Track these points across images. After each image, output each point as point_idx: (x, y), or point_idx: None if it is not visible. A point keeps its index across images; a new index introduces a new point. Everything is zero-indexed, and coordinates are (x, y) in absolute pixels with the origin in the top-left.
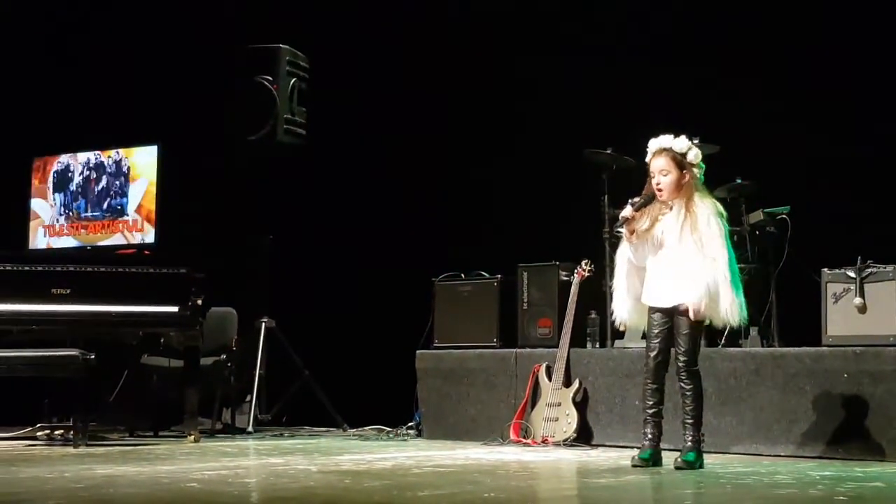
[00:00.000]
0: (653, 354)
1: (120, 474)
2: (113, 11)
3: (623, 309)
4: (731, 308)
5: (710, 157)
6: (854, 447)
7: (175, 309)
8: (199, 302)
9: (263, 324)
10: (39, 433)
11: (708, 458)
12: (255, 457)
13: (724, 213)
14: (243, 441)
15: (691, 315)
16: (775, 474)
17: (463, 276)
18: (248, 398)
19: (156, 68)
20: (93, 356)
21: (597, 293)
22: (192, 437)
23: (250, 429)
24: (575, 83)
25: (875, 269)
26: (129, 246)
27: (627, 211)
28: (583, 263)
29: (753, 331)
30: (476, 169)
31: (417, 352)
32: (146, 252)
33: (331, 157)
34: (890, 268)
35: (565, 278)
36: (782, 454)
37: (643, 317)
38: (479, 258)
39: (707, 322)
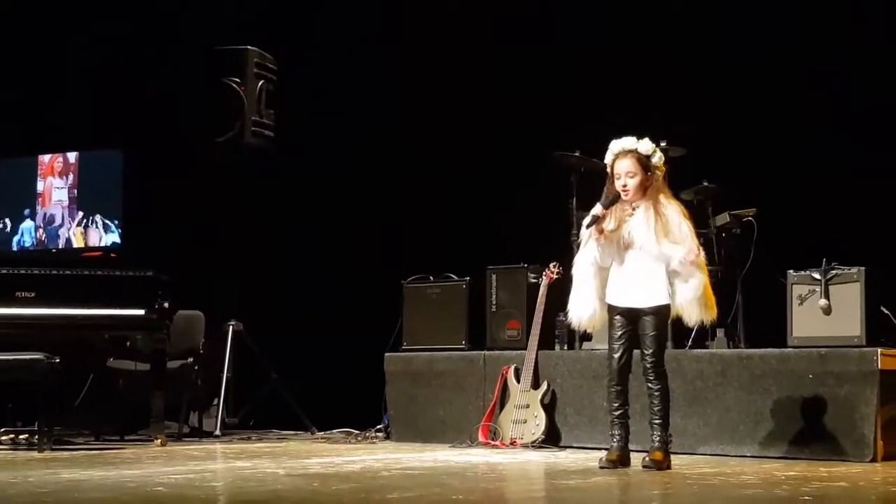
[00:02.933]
0: (616, 356)
1: (85, 479)
2: (80, 12)
3: (584, 309)
4: (706, 308)
5: (677, 159)
6: (819, 447)
7: (141, 312)
8: (166, 305)
9: (231, 327)
10: (4, 437)
11: (675, 459)
12: (222, 460)
13: (688, 214)
14: (210, 444)
15: (691, 322)
16: (741, 474)
17: (431, 278)
18: (215, 401)
19: (121, 71)
20: (58, 360)
21: (565, 295)
22: (159, 440)
23: (218, 432)
24: (543, 86)
25: (840, 271)
26: (95, 248)
27: (598, 209)
28: (551, 266)
29: (720, 332)
30: (445, 171)
31: (386, 354)
32: (112, 255)
33: (299, 159)
34: (854, 269)
35: (534, 280)
36: (748, 454)
37: (602, 318)
38: (448, 260)
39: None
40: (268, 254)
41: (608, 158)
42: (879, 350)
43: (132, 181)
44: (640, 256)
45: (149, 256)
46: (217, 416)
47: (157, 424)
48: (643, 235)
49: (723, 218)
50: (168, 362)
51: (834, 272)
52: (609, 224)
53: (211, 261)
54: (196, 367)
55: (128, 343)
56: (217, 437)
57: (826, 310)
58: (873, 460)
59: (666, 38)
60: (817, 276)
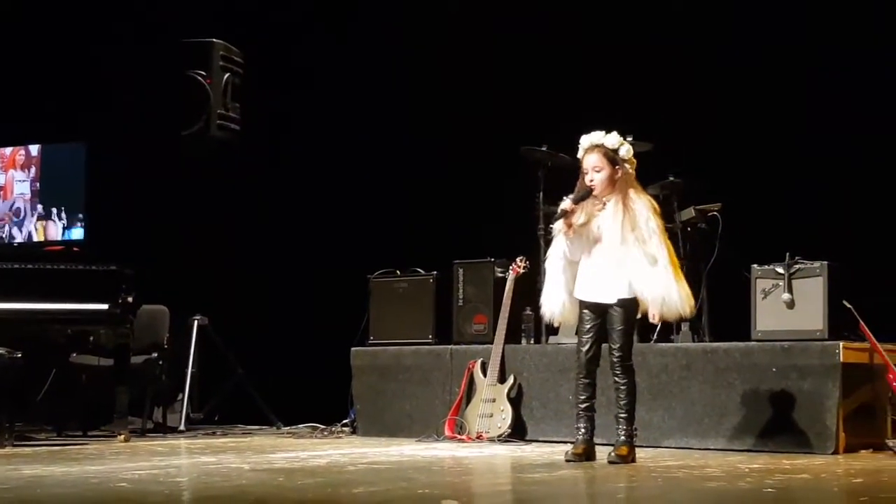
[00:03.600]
0: (584, 349)
1: (47, 475)
2: (44, 3)
3: (555, 303)
4: (681, 301)
5: (644, 154)
6: (782, 440)
7: (105, 306)
8: (130, 299)
9: (196, 321)
10: None
11: (640, 452)
12: (186, 456)
13: (659, 209)
14: (175, 440)
15: (655, 320)
16: (705, 467)
17: (398, 272)
18: (179, 397)
19: (85, 63)
20: (19, 355)
21: (532, 290)
22: (123, 436)
23: (182, 427)
24: (511, 81)
25: (803, 266)
26: (57, 242)
27: (566, 203)
28: (518, 260)
29: (684, 326)
30: (412, 165)
31: (352, 349)
32: (75, 248)
33: (266, 153)
34: (817, 264)
35: (500, 275)
36: (712, 447)
37: (575, 312)
38: (415, 255)
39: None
40: (233, 248)
41: (579, 154)
42: (841, 343)
43: (96, 174)
44: (609, 251)
45: (112, 250)
46: (181, 412)
47: (120, 420)
48: (611, 230)
49: (688, 213)
50: (132, 357)
51: (797, 266)
52: (579, 218)
53: (175, 255)
54: (160, 362)
55: (91, 338)
56: (181, 432)
57: (789, 304)
58: (835, 452)
59: (632, 34)
60: (781, 270)
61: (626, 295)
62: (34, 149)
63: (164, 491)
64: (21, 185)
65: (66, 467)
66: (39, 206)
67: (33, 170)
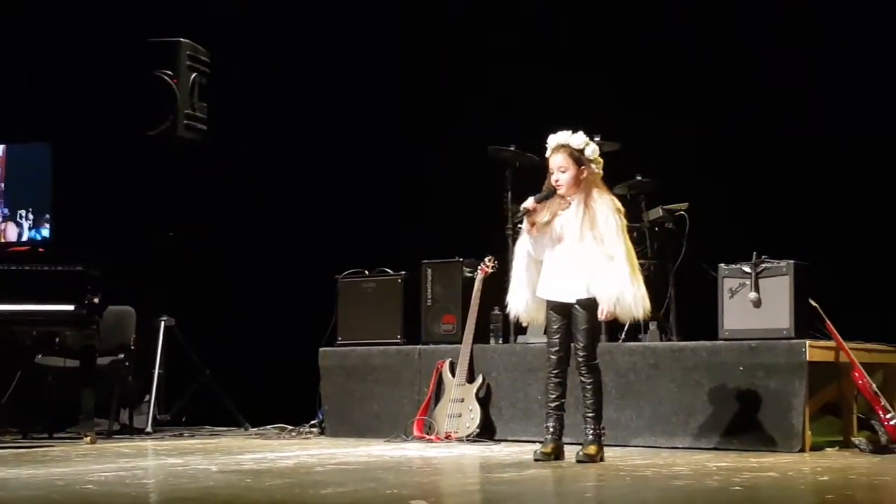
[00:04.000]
0: (554, 349)
1: (13, 477)
2: (10, 4)
3: (520, 302)
4: (635, 303)
5: (611, 154)
6: (749, 438)
7: (71, 307)
8: (96, 300)
9: (163, 322)
10: None
11: (608, 451)
12: (153, 457)
13: (623, 209)
14: (142, 442)
15: (603, 317)
16: (673, 466)
17: (366, 272)
18: (146, 398)
19: (52, 63)
20: None
21: (500, 290)
22: (89, 438)
23: (149, 429)
24: (479, 81)
25: (769, 265)
26: (22, 243)
27: (529, 202)
28: (486, 260)
29: (652, 325)
30: (379, 165)
31: (320, 349)
32: (40, 249)
33: (232, 153)
34: (783, 263)
35: (469, 275)
36: (680, 446)
37: (540, 311)
38: (383, 255)
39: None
40: (200, 248)
41: (547, 153)
42: (808, 342)
43: (62, 175)
44: (570, 250)
45: (79, 251)
46: (148, 413)
47: (86, 422)
48: (572, 229)
49: (656, 212)
50: (98, 358)
51: (764, 266)
52: (543, 217)
53: (142, 255)
54: (127, 364)
55: (57, 339)
56: (148, 434)
57: (756, 303)
58: (802, 450)
59: (600, 34)
60: (748, 269)
61: (585, 295)
62: None
63: (131, 493)
64: None
65: (31, 469)
66: (5, 208)
67: None
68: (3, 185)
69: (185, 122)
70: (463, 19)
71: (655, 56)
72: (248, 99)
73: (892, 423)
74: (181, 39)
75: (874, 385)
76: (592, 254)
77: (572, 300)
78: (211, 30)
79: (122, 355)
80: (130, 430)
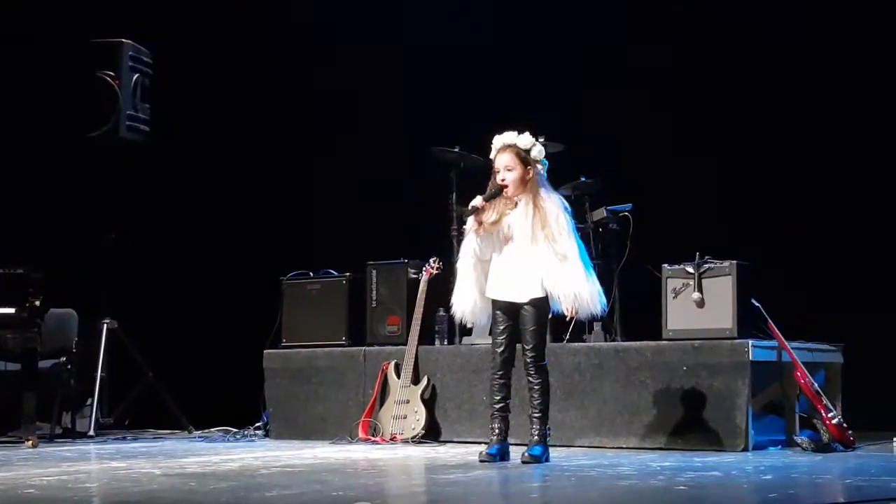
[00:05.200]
0: (499, 350)
1: None
2: None
3: (466, 302)
4: (591, 299)
5: (556, 155)
6: (693, 438)
7: (11, 310)
8: (38, 303)
9: (105, 325)
10: None
11: (553, 452)
12: (96, 461)
13: (570, 208)
14: (84, 445)
15: (570, 314)
16: (618, 466)
17: (311, 274)
18: (88, 401)
19: None
20: None
21: (445, 291)
22: (30, 442)
23: (91, 432)
24: (424, 82)
25: (712, 265)
26: None
27: (477, 201)
28: (431, 261)
29: (597, 326)
30: (324, 167)
31: (265, 351)
32: None
33: (175, 155)
34: (726, 263)
35: (414, 276)
36: (625, 446)
37: (485, 311)
38: (328, 256)
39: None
40: (143, 250)
41: (492, 154)
42: (750, 342)
43: (2, 176)
44: (520, 250)
45: (19, 253)
46: (91, 417)
47: (28, 425)
48: (521, 229)
49: (600, 213)
50: (40, 361)
51: (707, 266)
52: (490, 217)
53: (84, 257)
54: (69, 367)
55: None
56: (91, 437)
57: (699, 303)
58: (745, 449)
59: (544, 36)
60: (691, 269)
61: (538, 294)
62: None
63: (74, 497)
64: None
65: None
66: None
67: None
68: None
69: (128, 123)
70: (408, 17)
71: (597, 56)
72: (192, 99)
73: (833, 422)
74: (123, 40)
75: (816, 384)
76: (545, 253)
77: (524, 299)
78: (153, 29)
79: (64, 358)
80: (73, 434)
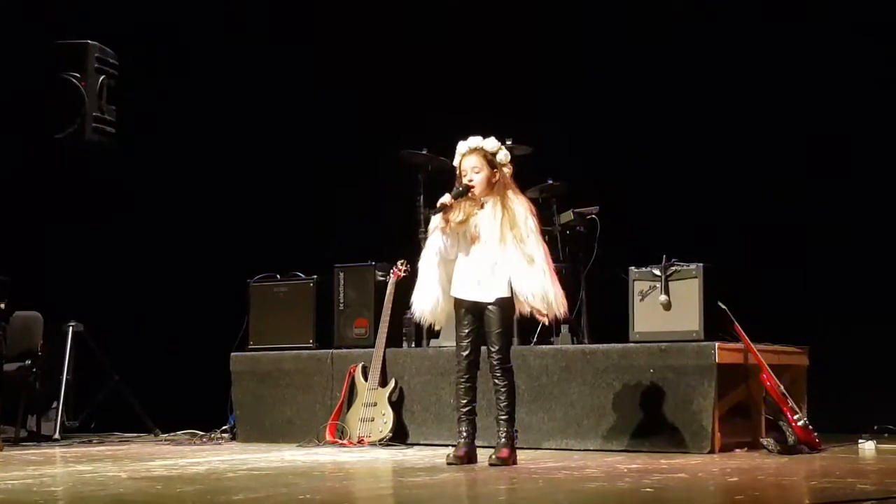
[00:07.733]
0: (465, 353)
1: None
2: None
3: (427, 301)
4: (556, 301)
5: (523, 158)
6: (660, 440)
7: None
8: (2, 305)
9: (71, 328)
10: None
11: (521, 454)
12: (61, 464)
13: (536, 212)
14: (49, 448)
15: (545, 321)
16: (585, 468)
17: (278, 276)
18: (54, 404)
19: None
20: None
21: (412, 293)
22: None
23: (57, 436)
24: (390, 83)
25: (679, 268)
26: None
27: (446, 198)
28: (398, 264)
29: (564, 328)
30: (292, 168)
31: (232, 354)
32: None
33: (142, 156)
34: (693, 266)
35: (381, 278)
36: (592, 448)
37: (445, 312)
38: (295, 259)
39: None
40: (108, 252)
41: (456, 160)
42: (717, 344)
43: None
44: (486, 250)
45: None
46: (56, 420)
47: None
48: (489, 229)
49: (567, 216)
50: (4, 365)
51: (673, 269)
52: (457, 216)
53: (50, 260)
54: (34, 370)
55: None
56: (56, 440)
57: (666, 305)
58: (711, 451)
59: (512, 40)
60: (658, 272)
61: (504, 294)
62: None
63: (39, 501)
64: None
65: None
66: None
67: None
68: None
69: (93, 125)
70: (374, 17)
71: (566, 59)
72: (159, 101)
73: (799, 424)
74: (89, 41)
75: (782, 387)
76: (513, 254)
77: (490, 299)
78: (119, 31)
79: (29, 361)
80: (38, 437)
